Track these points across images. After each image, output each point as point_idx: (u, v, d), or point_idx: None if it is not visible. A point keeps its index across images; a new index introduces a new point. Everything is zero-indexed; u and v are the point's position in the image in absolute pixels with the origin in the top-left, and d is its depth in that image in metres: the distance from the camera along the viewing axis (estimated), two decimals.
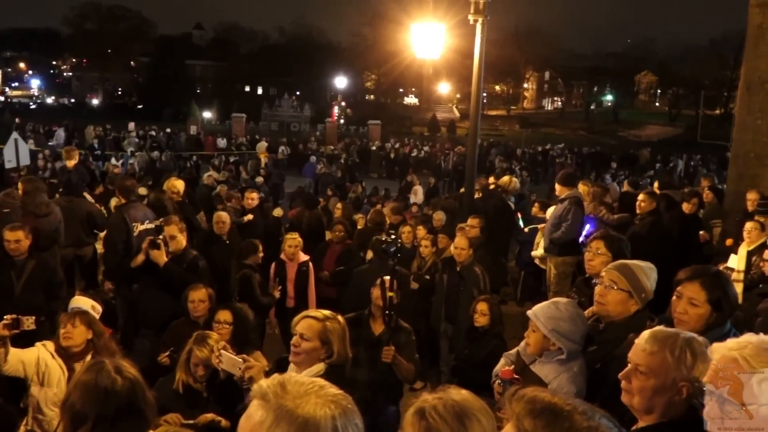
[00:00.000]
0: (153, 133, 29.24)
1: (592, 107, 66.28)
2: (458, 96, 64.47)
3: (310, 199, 14.22)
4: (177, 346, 4.46)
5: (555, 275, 6.47)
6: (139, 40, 59.03)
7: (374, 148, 30.04)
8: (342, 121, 45.06)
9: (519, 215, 8.74)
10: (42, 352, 3.68)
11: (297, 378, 1.26)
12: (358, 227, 8.39)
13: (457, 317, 5.90)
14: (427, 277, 6.48)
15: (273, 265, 6.43)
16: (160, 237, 5.01)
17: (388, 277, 4.06)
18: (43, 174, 12.82)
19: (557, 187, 6.61)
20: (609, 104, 66.66)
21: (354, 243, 7.21)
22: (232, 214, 7.59)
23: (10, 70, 64.39)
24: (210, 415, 3.45)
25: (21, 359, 3.59)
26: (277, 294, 6.21)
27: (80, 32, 57.91)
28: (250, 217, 7.89)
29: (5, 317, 3.43)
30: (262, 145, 25.26)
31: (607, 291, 2.86)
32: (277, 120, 45.30)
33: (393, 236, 4.40)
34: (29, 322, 3.43)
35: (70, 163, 8.13)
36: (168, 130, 32.13)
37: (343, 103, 48.46)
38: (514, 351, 3.04)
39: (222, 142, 29.00)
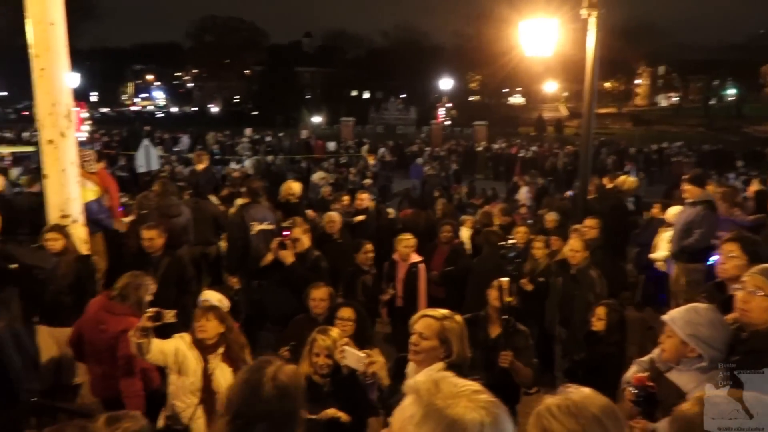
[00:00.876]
0: (268, 138, 30.69)
1: (711, 102, 61.57)
2: (565, 94, 62.26)
3: (416, 201, 14.34)
4: (297, 341, 4.70)
5: (685, 283, 6.08)
6: (253, 49, 62.03)
7: (480, 149, 29.75)
8: (448, 122, 44.88)
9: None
10: (179, 343, 3.95)
11: (452, 379, 1.28)
12: (462, 228, 8.34)
13: (571, 321, 5.74)
14: (542, 279, 6.34)
15: (385, 265, 6.55)
16: (287, 238, 5.26)
17: (505, 280, 4.02)
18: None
19: (687, 187, 6.19)
20: (731, 99, 61.63)
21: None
22: (343, 214, 7.80)
23: (139, 82, 69.94)
24: (332, 411, 3.56)
25: (162, 349, 3.85)
26: (386, 295, 6.32)
27: (200, 45, 61.93)
28: (361, 217, 8.09)
29: (148, 310, 3.71)
30: (366, 148, 25.83)
31: (751, 297, 2.66)
32: (384, 123, 46.01)
33: (513, 241, 4.34)
34: (170, 315, 3.69)
35: (200, 167, 8.70)
36: (281, 134, 33.58)
37: (449, 105, 48.25)
38: (647, 358, 2.90)
39: (331, 146, 29.84)
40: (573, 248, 5.77)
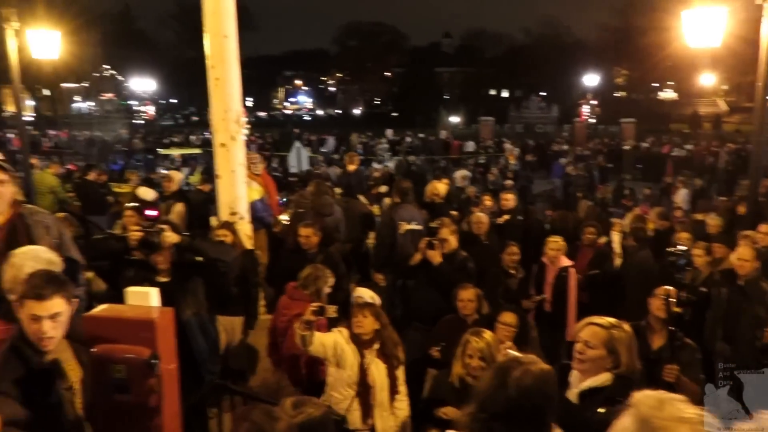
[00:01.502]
0: (408, 138, 31.25)
1: None
2: (725, 87, 56.79)
3: (559, 202, 13.84)
4: (446, 342, 4.75)
5: None
6: (394, 52, 63.51)
7: (627, 147, 28.05)
8: (592, 120, 42.87)
9: None
10: (338, 337, 4.15)
11: (680, 403, 1.22)
12: (613, 231, 7.89)
13: (736, 337, 5.25)
14: (703, 289, 5.86)
15: (533, 268, 6.41)
16: (435, 238, 5.33)
17: (671, 289, 3.78)
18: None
19: None
20: None
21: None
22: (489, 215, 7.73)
23: (289, 87, 74.23)
24: None
25: (322, 342, 4.07)
26: (533, 301, 6.19)
27: (345, 50, 64.71)
28: (505, 217, 7.96)
29: (312, 304, 3.94)
30: (509, 147, 25.41)
31: None
32: (523, 122, 44.97)
33: (683, 248, 4.07)
34: (332, 310, 3.88)
35: (351, 168, 9.07)
36: (420, 135, 33.99)
37: (594, 102, 46.05)
38: None
39: (470, 146, 29.69)
40: (742, 257, 5.28)
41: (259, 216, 6.78)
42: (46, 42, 9.11)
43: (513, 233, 6.99)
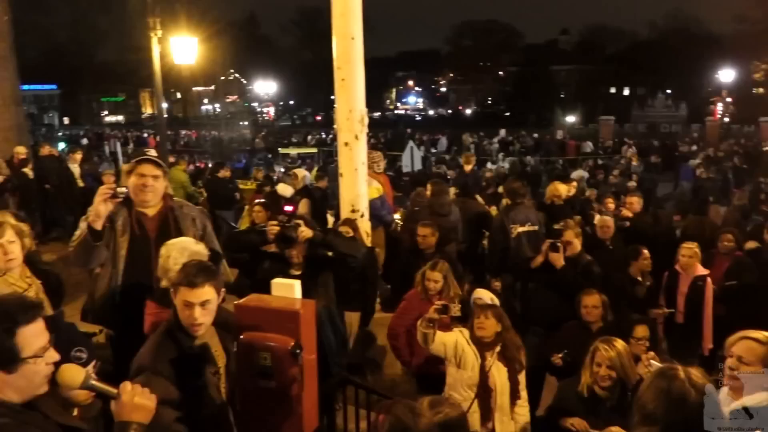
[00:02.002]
0: (523, 138, 30.60)
1: None
2: None
3: (687, 207, 12.91)
4: (569, 349, 4.58)
5: None
6: (508, 51, 62.40)
7: (767, 148, 25.75)
8: (726, 119, 39.71)
9: None
10: (459, 337, 4.11)
11: None
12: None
13: None
14: None
15: (665, 275, 6.03)
16: (559, 241, 5.16)
17: None
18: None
19: None
20: None
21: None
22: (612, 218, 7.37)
23: (401, 87, 75.15)
24: (616, 429, 3.38)
25: (443, 341, 4.06)
26: (662, 312, 5.84)
27: (457, 49, 64.42)
28: (627, 216, 7.54)
29: (436, 303, 3.93)
30: (627, 149, 24.17)
31: None
32: (647, 121, 42.51)
33: None
34: (456, 309, 3.85)
35: (467, 168, 9.04)
36: (535, 135, 33.17)
37: (728, 99, 42.63)
38: None
39: (587, 146, 28.53)
40: None
41: (378, 214, 6.89)
42: (185, 48, 9.79)
43: (640, 238, 6.61)
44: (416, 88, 74.73)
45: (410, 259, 6.17)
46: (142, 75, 49.05)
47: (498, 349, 4.06)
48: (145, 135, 36.39)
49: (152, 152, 3.67)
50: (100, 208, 3.34)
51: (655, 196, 17.04)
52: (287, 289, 2.51)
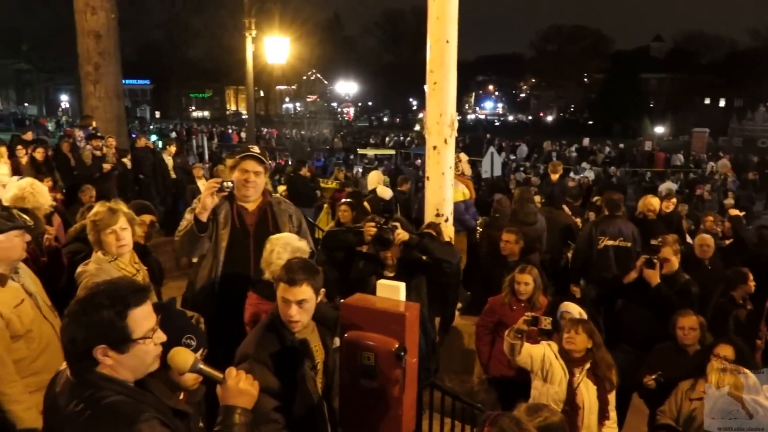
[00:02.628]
0: (607, 148, 29.58)
1: None
2: None
3: None
4: (662, 371, 4.36)
5: None
6: (596, 57, 60.54)
7: None
8: None
9: None
10: (547, 350, 4.01)
11: None
12: None
13: None
14: None
15: None
16: (655, 257, 4.94)
17: None
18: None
19: None
20: None
21: None
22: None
23: (480, 92, 74.49)
24: None
25: (530, 353, 3.97)
26: (764, 340, 5.47)
27: (541, 54, 63.24)
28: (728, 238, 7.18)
29: (526, 314, 3.84)
30: (724, 163, 22.89)
31: None
32: (745, 135, 40.11)
33: None
34: (546, 322, 3.75)
35: (554, 177, 8.82)
36: (621, 145, 32.02)
37: None
38: None
39: (678, 158, 27.22)
40: None
41: (461, 218, 6.83)
42: (278, 48, 10.07)
43: (741, 259, 6.24)
44: (496, 93, 73.81)
45: (492, 266, 6.10)
46: (229, 73, 51.06)
47: (588, 365, 3.94)
48: (229, 131, 37.70)
49: (256, 149, 3.78)
50: (207, 200, 3.47)
51: (751, 215, 16.08)
52: (392, 291, 2.52)
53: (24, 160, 9.50)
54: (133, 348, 1.82)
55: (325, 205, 10.85)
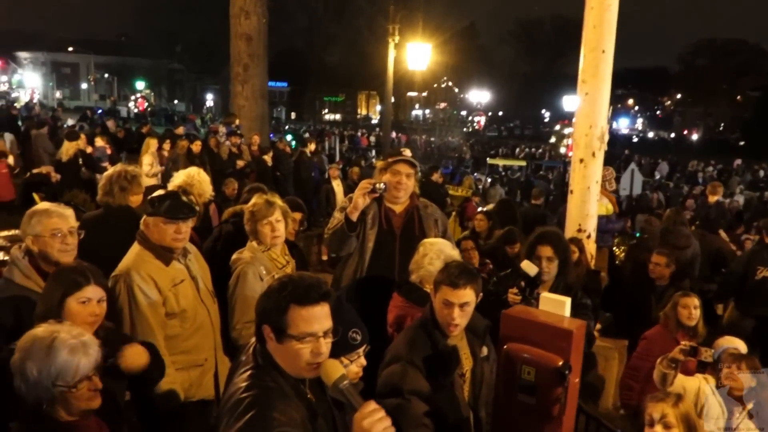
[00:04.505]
0: (761, 172, 27.00)
1: None
2: None
3: None
4: None
5: None
6: (752, 73, 55.59)
7: None
8: None
9: None
10: (703, 384, 3.67)
11: None
12: None
13: None
14: None
15: None
16: None
17: None
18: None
19: None
20: None
21: None
22: None
23: (619, 106, 70.95)
24: None
25: (684, 385, 3.65)
26: None
27: (690, 69, 59.08)
28: None
29: (683, 343, 3.55)
30: None
31: None
32: None
33: None
34: (707, 354, 3.45)
35: (712, 199, 8.19)
36: None
37: None
38: None
39: None
40: None
41: (602, 233, 6.51)
42: (420, 54, 10.17)
43: None
44: (635, 108, 69.93)
45: (637, 290, 5.74)
46: (362, 78, 52.49)
47: (750, 406, 3.56)
48: (359, 134, 38.71)
49: (407, 152, 3.80)
50: (359, 201, 3.54)
51: None
52: (557, 306, 2.42)
53: (167, 153, 10.24)
54: (288, 342, 1.84)
55: (453, 213, 10.78)
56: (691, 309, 4.36)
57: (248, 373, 1.87)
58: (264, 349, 1.89)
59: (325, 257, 10.93)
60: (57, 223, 2.79)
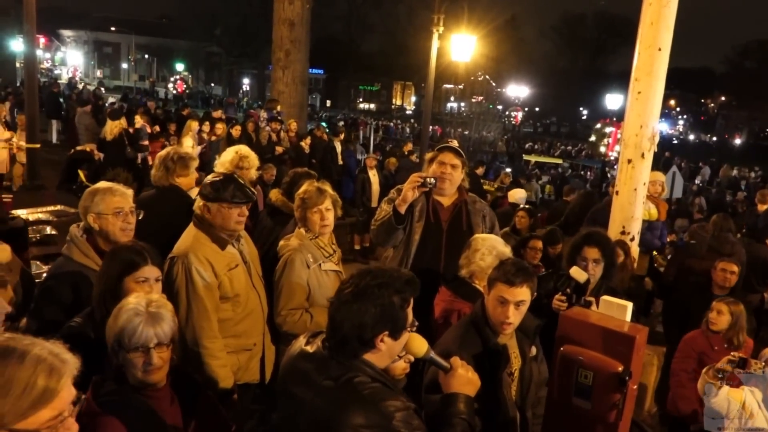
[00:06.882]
0: None
1: None
2: None
3: None
4: None
5: None
6: None
7: None
8: None
9: None
10: (749, 397, 3.55)
11: None
12: None
13: None
14: None
15: None
16: None
17: None
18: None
19: None
20: None
21: None
22: None
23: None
24: None
25: (729, 398, 3.56)
26: None
27: (736, 71, 57.40)
28: None
29: (732, 354, 3.46)
30: None
31: None
32: None
33: None
34: (757, 366, 3.34)
35: (762, 207, 7.93)
36: None
37: None
38: None
39: None
40: None
41: (646, 239, 6.36)
42: (464, 46, 10.06)
43: None
44: (677, 109, 68.23)
45: (694, 298, 5.58)
46: (399, 68, 52.20)
47: None
48: (391, 125, 38.58)
49: (454, 142, 3.76)
50: (408, 194, 3.52)
51: None
52: (619, 310, 2.36)
53: (206, 136, 10.35)
54: (402, 336, 1.87)
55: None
56: (714, 313, 4.27)
57: (341, 377, 1.85)
58: (360, 360, 1.87)
59: (357, 246, 10.98)
60: (119, 202, 2.82)
